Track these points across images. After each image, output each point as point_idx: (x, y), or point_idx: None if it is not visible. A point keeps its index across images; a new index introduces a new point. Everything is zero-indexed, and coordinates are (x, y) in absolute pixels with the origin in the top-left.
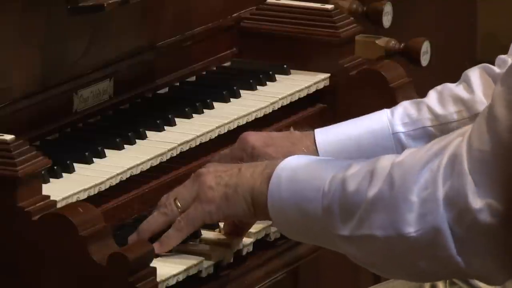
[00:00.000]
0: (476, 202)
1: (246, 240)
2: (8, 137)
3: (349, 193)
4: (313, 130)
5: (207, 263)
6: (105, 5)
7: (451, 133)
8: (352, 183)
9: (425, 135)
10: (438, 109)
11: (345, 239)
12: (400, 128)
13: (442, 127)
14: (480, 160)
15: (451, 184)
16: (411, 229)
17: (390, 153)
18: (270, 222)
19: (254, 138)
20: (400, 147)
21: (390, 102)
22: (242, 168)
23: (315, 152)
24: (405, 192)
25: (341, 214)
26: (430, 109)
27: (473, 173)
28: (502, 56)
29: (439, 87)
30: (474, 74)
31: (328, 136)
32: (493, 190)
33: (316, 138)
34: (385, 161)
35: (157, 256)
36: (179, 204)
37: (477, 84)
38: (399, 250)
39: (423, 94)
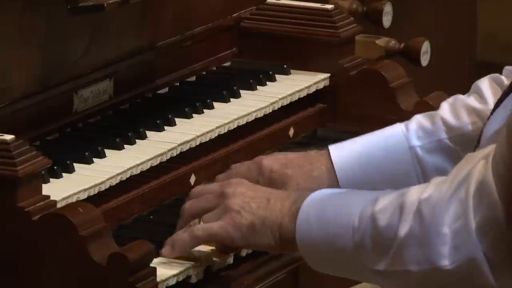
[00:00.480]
0: (510, 227)
1: None
2: (8, 137)
3: (380, 228)
4: (327, 147)
5: (207, 264)
6: (105, 5)
7: (473, 156)
8: (382, 218)
9: (441, 147)
10: (452, 121)
11: (380, 274)
12: (415, 141)
13: (458, 138)
14: (505, 184)
15: (482, 213)
16: (446, 262)
17: (406, 168)
18: None
19: (270, 161)
20: (416, 160)
21: (390, 102)
22: (271, 199)
23: (332, 169)
24: (436, 226)
25: (374, 249)
26: (444, 121)
27: (504, 199)
28: (509, 67)
29: (450, 99)
30: (484, 84)
31: (343, 152)
32: None
33: (332, 156)
34: (413, 196)
35: (157, 256)
36: (205, 229)
37: (488, 94)
38: (435, 283)
39: (423, 94)
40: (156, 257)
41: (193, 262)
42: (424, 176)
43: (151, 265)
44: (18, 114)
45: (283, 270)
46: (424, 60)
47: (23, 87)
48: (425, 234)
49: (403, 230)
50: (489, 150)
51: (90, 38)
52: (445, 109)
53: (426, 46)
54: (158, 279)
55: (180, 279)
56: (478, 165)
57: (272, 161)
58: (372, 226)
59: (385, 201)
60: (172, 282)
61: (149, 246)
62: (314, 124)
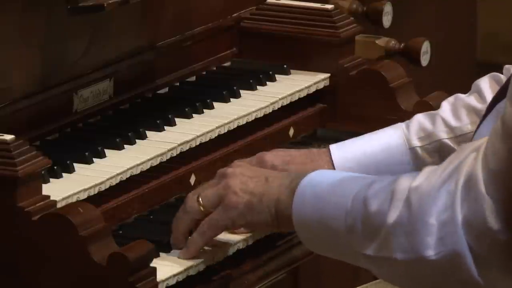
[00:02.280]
0: (495, 223)
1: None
2: (8, 137)
3: (371, 213)
4: (329, 146)
5: (207, 263)
6: (105, 5)
7: (464, 148)
8: (373, 203)
9: (442, 148)
10: (453, 121)
11: (369, 258)
12: (416, 142)
13: (458, 139)
14: (496, 178)
15: (469, 206)
16: (431, 252)
17: (406, 168)
18: None
19: (272, 157)
20: (417, 161)
21: (390, 102)
22: (270, 178)
23: (333, 168)
24: (423, 216)
25: (363, 234)
26: (445, 122)
27: (490, 193)
28: (508, 66)
29: (451, 98)
30: (485, 83)
31: (343, 152)
32: (510, 207)
33: (332, 155)
34: (405, 183)
35: (157, 256)
36: (202, 203)
37: (488, 93)
38: (420, 273)
39: (423, 94)
40: (156, 257)
41: (193, 262)
42: None
43: (151, 265)
44: (18, 114)
45: (283, 270)
46: (424, 60)
47: (23, 87)
48: (412, 224)
49: (392, 217)
50: (480, 142)
51: (90, 38)
52: (445, 109)
53: (426, 46)
54: (158, 279)
55: (180, 279)
56: (468, 157)
57: (274, 157)
58: (364, 210)
59: (379, 186)
60: (172, 282)
61: (149, 246)
62: (314, 124)
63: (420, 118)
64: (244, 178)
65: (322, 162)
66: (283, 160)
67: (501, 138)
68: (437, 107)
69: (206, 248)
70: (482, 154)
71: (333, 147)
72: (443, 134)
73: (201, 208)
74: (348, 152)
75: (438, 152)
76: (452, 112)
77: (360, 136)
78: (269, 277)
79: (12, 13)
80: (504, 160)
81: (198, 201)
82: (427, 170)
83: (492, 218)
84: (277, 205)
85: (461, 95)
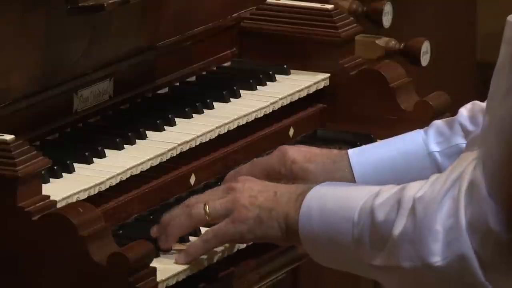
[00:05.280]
0: (496, 224)
1: None
2: (8, 137)
3: (378, 223)
4: (347, 151)
5: (207, 263)
6: (105, 5)
7: (467, 155)
8: (380, 213)
9: (460, 152)
10: (470, 126)
11: (377, 269)
12: (434, 147)
13: None
14: (493, 180)
15: (472, 210)
16: (437, 259)
17: (425, 173)
18: None
19: (294, 152)
20: (435, 166)
21: (390, 102)
22: (278, 192)
23: (351, 173)
24: (429, 223)
25: (371, 245)
26: (462, 126)
27: (491, 195)
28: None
29: (469, 105)
30: None
31: (362, 158)
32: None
33: (350, 160)
34: (410, 192)
35: (157, 256)
36: (208, 211)
37: None
38: (427, 280)
39: (423, 94)
40: (156, 257)
41: (194, 262)
42: None
43: (151, 265)
44: (18, 114)
45: (283, 270)
46: (424, 60)
47: (23, 87)
48: (418, 232)
49: (398, 227)
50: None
51: (90, 38)
52: (463, 114)
53: (426, 46)
54: (158, 279)
55: (180, 279)
56: (470, 165)
57: (296, 152)
58: (371, 221)
59: (385, 196)
60: (172, 282)
61: (149, 246)
62: (314, 124)
63: (438, 124)
64: (253, 192)
65: (341, 165)
66: (304, 156)
67: (497, 141)
68: (437, 107)
69: None
70: (481, 160)
71: (351, 152)
72: (460, 139)
73: (207, 217)
74: (366, 157)
75: (456, 156)
76: (469, 117)
77: (378, 142)
78: (269, 276)
79: (12, 13)
80: (500, 163)
81: (204, 209)
82: (431, 179)
83: (494, 220)
84: (286, 220)
85: (478, 102)
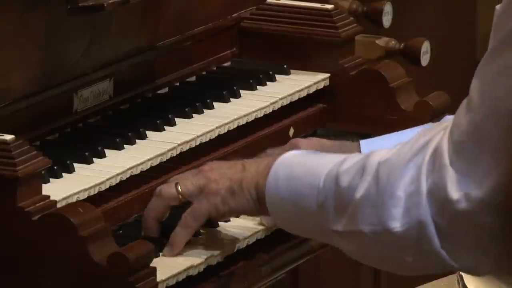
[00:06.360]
0: (455, 193)
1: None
2: (8, 137)
3: (342, 189)
4: (359, 141)
5: (207, 264)
6: (105, 5)
7: (435, 125)
8: (345, 179)
9: None
10: None
11: (339, 235)
12: None
13: None
14: (458, 149)
15: (433, 178)
16: (397, 224)
17: None
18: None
19: (305, 144)
20: None
21: (390, 102)
22: (246, 164)
23: None
24: (391, 188)
25: (335, 210)
26: None
27: (453, 164)
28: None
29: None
30: None
31: (372, 147)
32: (471, 177)
33: (361, 149)
34: (375, 157)
35: (157, 256)
36: (180, 190)
37: None
38: (386, 245)
39: (423, 94)
40: (156, 257)
41: (193, 262)
42: None
43: (151, 265)
44: (18, 114)
45: (283, 270)
46: (424, 60)
47: (23, 87)
48: (380, 196)
49: (360, 190)
50: (449, 121)
51: (90, 38)
52: None
53: (426, 46)
54: (158, 279)
55: (180, 279)
56: (437, 134)
57: (307, 144)
58: (335, 187)
59: (350, 163)
60: (172, 282)
61: (149, 246)
62: (314, 124)
63: (448, 117)
64: (222, 169)
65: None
66: (315, 148)
67: (465, 110)
68: (437, 107)
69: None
70: (449, 129)
71: (363, 143)
72: None
73: (180, 196)
74: (377, 147)
75: None
76: None
77: (388, 134)
78: (269, 277)
79: (12, 13)
80: (467, 133)
81: (176, 188)
82: (397, 146)
83: (453, 188)
84: (257, 189)
85: None
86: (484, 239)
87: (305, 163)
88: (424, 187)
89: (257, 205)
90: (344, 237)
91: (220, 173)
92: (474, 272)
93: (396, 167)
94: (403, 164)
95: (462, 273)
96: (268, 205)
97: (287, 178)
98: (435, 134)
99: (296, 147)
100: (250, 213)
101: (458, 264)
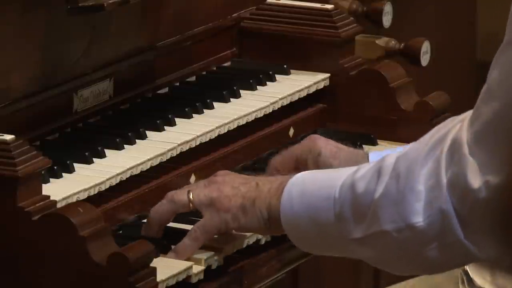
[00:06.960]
0: (475, 181)
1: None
2: (8, 137)
3: (359, 195)
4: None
5: (207, 264)
6: (105, 5)
7: (452, 119)
8: (361, 185)
9: None
10: None
11: (359, 242)
12: None
13: None
14: (479, 138)
15: (452, 169)
16: (419, 218)
17: None
18: None
19: (323, 144)
20: None
21: (390, 102)
22: (260, 182)
23: None
24: (411, 183)
25: (353, 218)
26: None
27: (473, 154)
28: None
29: None
30: None
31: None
32: (491, 165)
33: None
34: (391, 158)
35: (157, 256)
36: (192, 198)
37: None
38: (409, 242)
39: (423, 94)
40: (156, 257)
41: (193, 262)
42: None
43: (151, 265)
44: (18, 114)
45: (283, 270)
46: (424, 60)
47: (23, 87)
48: (400, 192)
49: (379, 189)
50: (466, 114)
51: (90, 38)
52: None
53: (426, 46)
54: (158, 279)
55: (180, 279)
56: (455, 126)
57: (324, 144)
58: (352, 195)
59: (365, 170)
60: (172, 282)
61: (149, 246)
62: (314, 124)
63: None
64: (235, 184)
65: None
66: (331, 151)
67: (485, 100)
68: (437, 107)
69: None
70: (468, 121)
71: (372, 155)
72: None
73: (190, 205)
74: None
75: None
76: None
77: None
78: (269, 277)
79: (12, 13)
80: (487, 122)
81: (188, 196)
82: (413, 143)
83: (473, 178)
84: (269, 209)
85: None
86: (504, 227)
87: (318, 179)
88: (444, 179)
89: (267, 224)
90: (364, 243)
91: (233, 189)
92: (498, 263)
93: (414, 162)
94: (422, 158)
95: (468, 270)
96: (284, 225)
97: (300, 195)
98: (453, 127)
99: (314, 144)
100: (259, 231)
101: (482, 255)
